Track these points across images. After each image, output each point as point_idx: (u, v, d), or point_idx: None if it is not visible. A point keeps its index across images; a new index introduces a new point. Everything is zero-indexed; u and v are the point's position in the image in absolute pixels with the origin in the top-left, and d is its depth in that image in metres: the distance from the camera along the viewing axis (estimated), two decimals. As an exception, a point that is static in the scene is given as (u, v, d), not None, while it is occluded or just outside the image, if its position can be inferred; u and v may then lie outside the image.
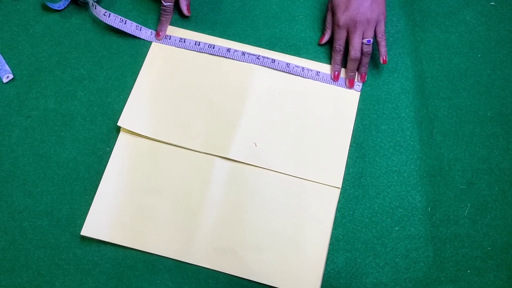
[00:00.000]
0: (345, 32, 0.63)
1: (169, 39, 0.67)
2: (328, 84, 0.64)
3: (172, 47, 0.67)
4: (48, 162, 0.61)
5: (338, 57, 0.64)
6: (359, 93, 0.64)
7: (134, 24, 0.67)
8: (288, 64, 0.65)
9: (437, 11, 0.68)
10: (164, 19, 0.66)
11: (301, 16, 0.68)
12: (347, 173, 0.61)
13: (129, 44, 0.67)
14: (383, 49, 0.63)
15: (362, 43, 0.62)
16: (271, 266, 0.57)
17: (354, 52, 0.62)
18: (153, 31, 0.67)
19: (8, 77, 0.65)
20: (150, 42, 0.67)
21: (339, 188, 0.60)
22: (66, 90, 0.65)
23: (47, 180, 0.61)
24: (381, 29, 0.62)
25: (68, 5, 0.69)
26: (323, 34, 0.66)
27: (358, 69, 0.64)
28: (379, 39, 0.63)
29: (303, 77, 0.65)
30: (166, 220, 0.58)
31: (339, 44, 0.63)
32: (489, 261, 0.57)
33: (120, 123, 0.62)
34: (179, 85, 0.64)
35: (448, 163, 0.61)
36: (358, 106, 0.64)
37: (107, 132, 0.63)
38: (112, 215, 0.58)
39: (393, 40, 0.67)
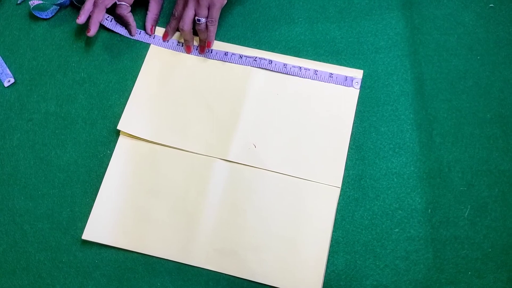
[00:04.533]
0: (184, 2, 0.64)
1: (167, 42, 0.67)
2: (327, 83, 0.65)
3: (170, 50, 0.67)
4: (49, 165, 0.62)
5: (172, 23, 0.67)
6: (358, 90, 0.64)
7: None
8: (285, 65, 0.65)
9: (436, 14, 0.68)
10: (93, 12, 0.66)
11: (300, 19, 0.69)
12: (346, 175, 0.61)
13: (129, 47, 0.67)
14: (209, 34, 0.65)
15: (195, 20, 0.64)
16: (272, 267, 0.57)
17: (181, 24, 0.64)
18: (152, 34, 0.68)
19: (9, 81, 0.65)
20: (150, 45, 0.67)
21: (339, 187, 0.60)
22: (67, 93, 0.65)
23: (48, 183, 0.61)
24: (212, 13, 0.63)
25: (56, 13, 0.69)
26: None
27: (186, 40, 0.66)
28: (208, 23, 0.64)
29: (300, 77, 0.65)
30: (166, 222, 0.59)
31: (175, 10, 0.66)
32: (489, 263, 0.57)
33: (119, 126, 0.62)
34: (177, 87, 0.65)
35: (447, 165, 0.61)
36: (357, 108, 0.64)
37: (107, 135, 0.63)
38: (113, 218, 0.59)
39: (392, 43, 0.67)
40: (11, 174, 0.61)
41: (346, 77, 0.64)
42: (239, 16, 0.69)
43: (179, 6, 0.65)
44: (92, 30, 0.64)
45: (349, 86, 0.64)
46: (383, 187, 0.60)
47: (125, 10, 0.66)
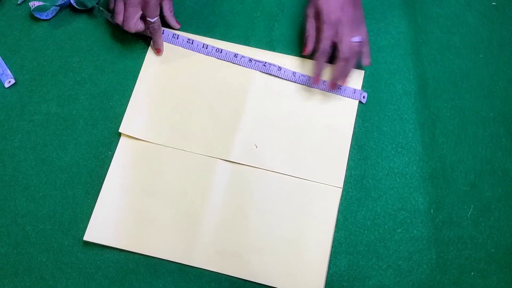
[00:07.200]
0: (335, 30, 0.60)
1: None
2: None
3: (169, 50, 0.66)
4: (50, 166, 0.62)
5: (323, 59, 0.61)
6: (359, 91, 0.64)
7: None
8: (294, 73, 0.64)
9: (439, 13, 0.68)
10: (155, 36, 0.64)
11: (301, 18, 0.68)
12: (349, 175, 0.61)
13: (130, 47, 0.67)
14: (367, 51, 0.62)
15: (351, 42, 0.59)
16: (274, 268, 0.57)
17: (345, 51, 0.59)
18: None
19: (10, 81, 0.65)
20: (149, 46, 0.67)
21: (340, 187, 0.60)
22: (68, 94, 0.65)
23: (49, 184, 0.61)
24: (366, 30, 0.61)
25: (56, 14, 0.68)
26: (306, 43, 0.63)
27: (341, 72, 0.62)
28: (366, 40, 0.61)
29: (308, 86, 0.64)
30: (168, 223, 0.59)
31: (327, 44, 0.60)
32: (492, 263, 0.57)
33: (121, 129, 0.62)
34: (178, 88, 0.64)
35: (450, 165, 0.61)
36: (359, 107, 0.63)
37: (109, 136, 0.63)
38: (115, 220, 0.59)
39: (395, 42, 0.67)
40: (12, 175, 0.61)
41: (355, 90, 0.63)
42: (240, 15, 0.68)
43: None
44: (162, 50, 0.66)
45: (354, 99, 0.63)
46: (386, 187, 0.60)
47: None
